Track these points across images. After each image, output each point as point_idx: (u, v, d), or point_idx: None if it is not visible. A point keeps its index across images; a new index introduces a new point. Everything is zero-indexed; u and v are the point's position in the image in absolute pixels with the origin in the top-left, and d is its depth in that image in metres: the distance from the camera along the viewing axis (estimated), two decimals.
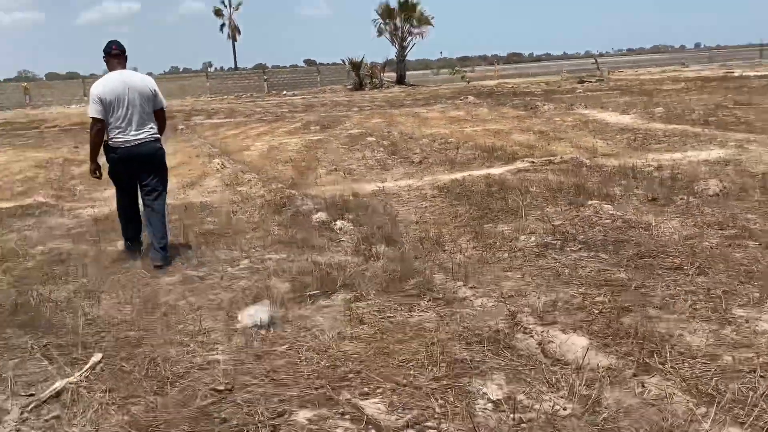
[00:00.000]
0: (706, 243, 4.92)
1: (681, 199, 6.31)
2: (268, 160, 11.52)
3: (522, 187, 7.28)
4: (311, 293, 4.34)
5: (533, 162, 8.88)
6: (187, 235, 6.10)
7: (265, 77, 50.48)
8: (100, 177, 5.61)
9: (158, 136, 5.55)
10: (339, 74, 52.12)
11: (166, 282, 4.82)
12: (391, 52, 50.07)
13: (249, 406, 2.90)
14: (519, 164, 8.93)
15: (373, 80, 45.63)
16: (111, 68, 5.42)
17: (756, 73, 29.70)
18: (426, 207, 6.82)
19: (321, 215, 6.37)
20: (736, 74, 30.14)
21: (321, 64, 58.26)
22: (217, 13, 72.32)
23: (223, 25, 72.68)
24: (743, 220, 5.46)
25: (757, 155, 8.63)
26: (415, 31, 47.46)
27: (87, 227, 6.89)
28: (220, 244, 5.80)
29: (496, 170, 8.67)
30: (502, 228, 5.70)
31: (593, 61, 64.79)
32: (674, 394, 2.79)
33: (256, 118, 22.38)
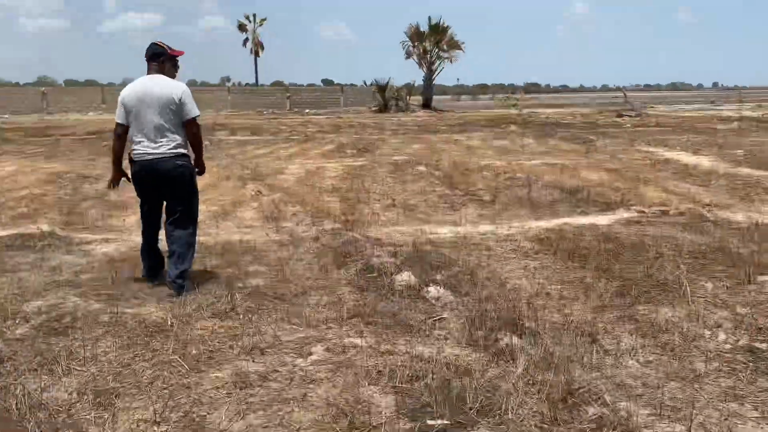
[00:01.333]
0: None
1: None
2: (308, 187, 10.05)
3: (648, 248, 5.76)
4: (437, 428, 2.83)
5: (643, 212, 7.35)
6: (232, 295, 4.60)
7: (288, 94, 49.36)
8: (115, 186, 5.22)
9: (182, 151, 4.83)
10: (362, 95, 51.00)
11: (212, 380, 3.32)
12: (417, 76, 49.02)
13: None
14: (624, 213, 7.41)
15: (399, 103, 44.43)
16: (148, 73, 4.92)
17: None
18: (535, 269, 5.29)
19: (405, 276, 4.86)
20: None
21: (343, 84, 57.19)
22: (241, 27, 71.77)
23: (246, 39, 72.07)
24: None
25: None
26: (445, 55, 46.33)
27: (99, 270, 5.42)
28: (278, 312, 4.30)
29: (598, 219, 7.15)
30: (665, 313, 4.17)
31: (622, 95, 63.47)
32: None
33: (283, 137, 21.01)
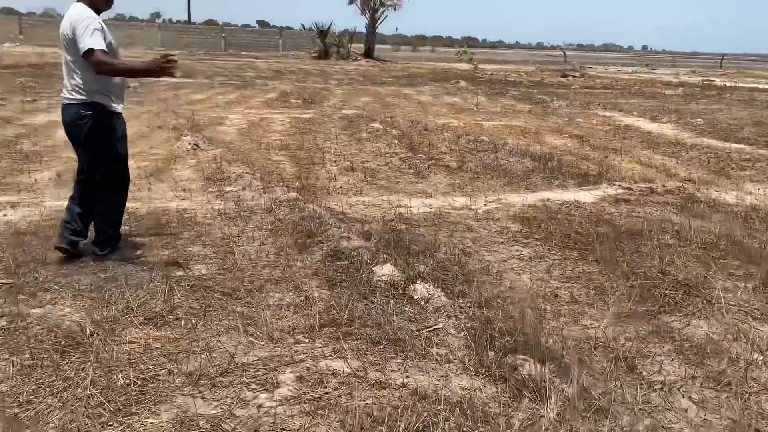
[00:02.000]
0: None
1: None
2: (253, 143, 8.99)
3: (649, 235, 5.11)
4: None
5: (630, 189, 6.72)
6: (170, 289, 3.66)
7: (223, 35, 46.77)
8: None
9: (80, 98, 4.00)
10: (301, 40, 49.00)
11: (146, 429, 2.42)
12: (359, 23, 47.24)
13: None
14: (608, 190, 6.75)
15: (340, 50, 42.78)
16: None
17: (746, 84, 28.54)
18: (531, 259, 4.55)
19: (387, 270, 4.01)
20: (718, 83, 28.82)
21: (282, 27, 54.70)
22: None
23: None
24: None
25: None
26: (389, 2, 44.68)
27: (2, 247, 4.34)
28: (230, 316, 3.41)
29: (582, 196, 6.47)
30: (700, 327, 3.50)
31: (560, 53, 63.53)
32: None
33: (220, 82, 19.49)
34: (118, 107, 4.11)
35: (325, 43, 42.23)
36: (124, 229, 4.51)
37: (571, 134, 11.02)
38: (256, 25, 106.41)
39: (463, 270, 4.19)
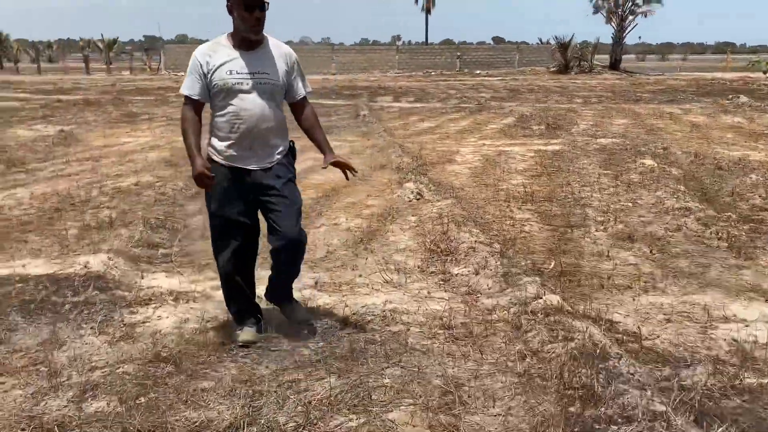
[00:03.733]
0: None
1: None
2: (489, 189, 7.16)
3: None
4: None
5: None
6: None
7: (458, 54, 46.07)
8: None
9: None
10: (538, 54, 46.48)
11: None
12: (601, 33, 43.48)
13: None
14: None
15: (582, 63, 39.60)
16: None
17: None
18: None
19: None
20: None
21: (518, 43, 52.64)
22: None
23: None
24: None
25: None
26: (640, 9, 40.36)
27: None
28: None
29: None
30: None
31: None
32: None
33: (453, 105, 18.10)
34: (220, 158, 3.24)
35: (566, 57, 39.38)
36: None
37: None
38: (492, 42, 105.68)
39: None
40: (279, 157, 3.28)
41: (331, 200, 6.69)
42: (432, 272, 4.58)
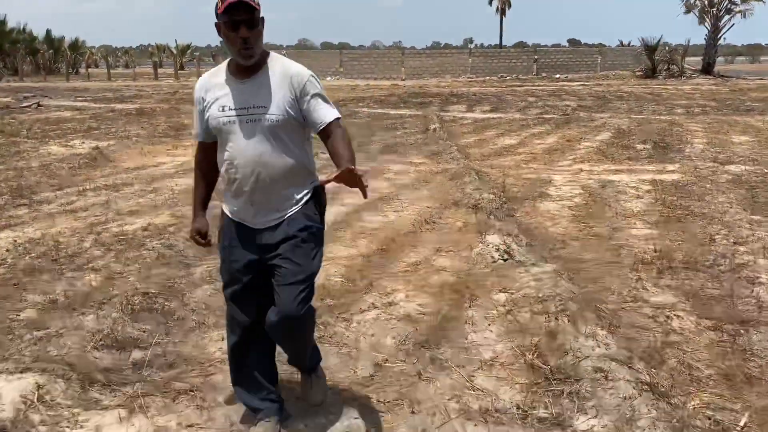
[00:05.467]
0: None
1: None
2: (603, 247, 5.30)
3: None
4: None
5: None
6: None
7: (535, 57, 43.61)
8: None
9: None
10: (621, 57, 43.53)
11: None
12: (692, 35, 40.16)
13: None
14: None
15: (671, 67, 36.51)
16: None
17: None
18: None
19: None
20: None
21: (597, 45, 49.62)
22: None
23: None
24: None
25: None
26: (737, 9, 36.88)
27: None
28: None
29: None
30: None
31: None
32: None
33: (534, 116, 16.09)
34: (228, 212, 2.65)
35: (653, 60, 36.41)
36: None
37: None
38: (567, 45, 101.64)
39: None
40: (295, 209, 2.57)
41: (387, 258, 5.02)
42: (541, 419, 2.83)
